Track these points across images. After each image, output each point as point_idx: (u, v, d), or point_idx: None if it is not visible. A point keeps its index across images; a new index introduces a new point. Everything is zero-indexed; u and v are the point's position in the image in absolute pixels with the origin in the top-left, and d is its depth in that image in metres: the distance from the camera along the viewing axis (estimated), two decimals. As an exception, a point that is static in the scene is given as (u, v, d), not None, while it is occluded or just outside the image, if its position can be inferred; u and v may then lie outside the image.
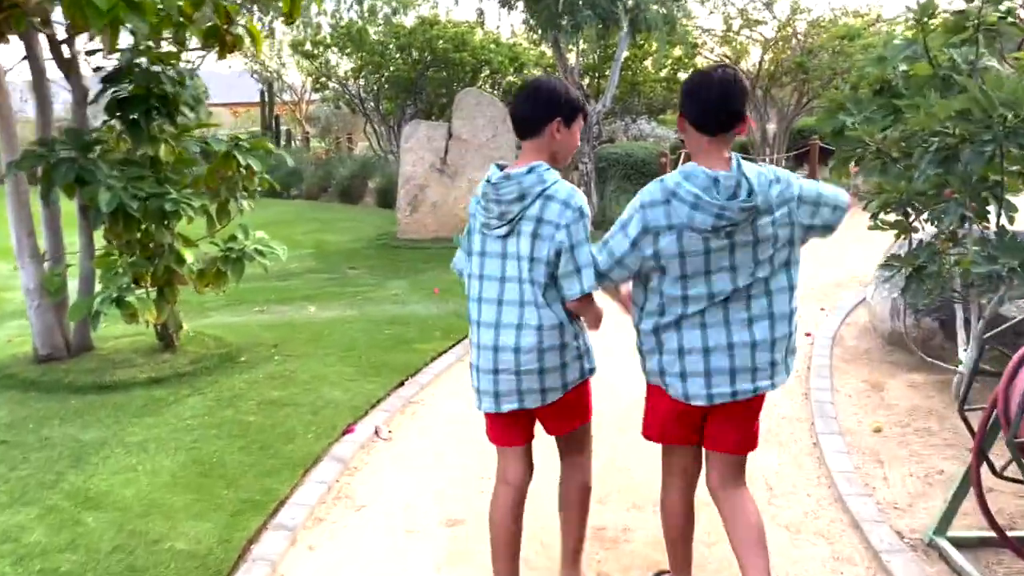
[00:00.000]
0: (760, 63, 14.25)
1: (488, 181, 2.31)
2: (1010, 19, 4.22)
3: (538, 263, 2.25)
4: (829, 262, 7.74)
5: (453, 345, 5.61)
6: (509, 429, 2.46)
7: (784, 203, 2.17)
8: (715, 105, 2.14)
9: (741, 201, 2.10)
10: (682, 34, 13.83)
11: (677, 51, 19.00)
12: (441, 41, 14.78)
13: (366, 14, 14.49)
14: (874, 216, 3.99)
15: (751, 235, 2.14)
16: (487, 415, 2.47)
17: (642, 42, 17.62)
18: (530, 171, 2.25)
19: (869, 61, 7.20)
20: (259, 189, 5.36)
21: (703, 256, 2.14)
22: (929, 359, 4.31)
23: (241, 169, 5.00)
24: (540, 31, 9.31)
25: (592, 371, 2.45)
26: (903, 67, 7.24)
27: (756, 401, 2.30)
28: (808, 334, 5.70)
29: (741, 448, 2.36)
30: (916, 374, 4.72)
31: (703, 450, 2.40)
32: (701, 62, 20.01)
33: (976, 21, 4.30)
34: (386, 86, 15.86)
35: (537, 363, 2.30)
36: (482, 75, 15.79)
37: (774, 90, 14.32)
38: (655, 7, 9.05)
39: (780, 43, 13.37)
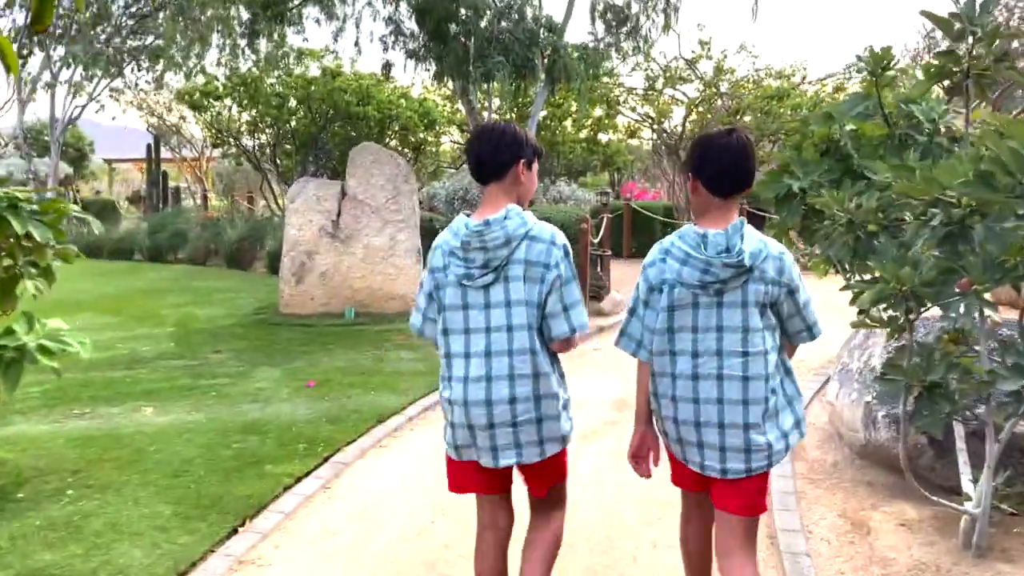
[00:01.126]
0: (684, 123, 13.79)
1: (467, 230, 2.30)
2: (1007, 64, 3.44)
3: (531, 306, 2.29)
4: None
5: (318, 465, 4.42)
6: (493, 478, 2.47)
7: (778, 283, 2.28)
8: (730, 168, 2.27)
9: (725, 256, 2.22)
10: (603, 92, 13.29)
11: (598, 111, 18.60)
12: (345, 94, 13.82)
13: (262, 63, 13.38)
14: (863, 312, 3.05)
15: (741, 297, 2.26)
16: (470, 468, 2.46)
17: (561, 100, 17.10)
18: (508, 215, 2.30)
19: (815, 119, 6.52)
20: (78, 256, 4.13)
21: (691, 310, 2.28)
22: (934, 498, 3.35)
23: (22, 240, 3.76)
24: (446, 79, 8.38)
25: (568, 437, 2.46)
26: (850, 126, 6.52)
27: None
28: (761, 441, 4.75)
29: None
30: (906, 504, 3.79)
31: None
32: (623, 122, 19.67)
33: (966, 66, 3.50)
34: (284, 141, 14.72)
35: (535, 412, 2.33)
36: (390, 131, 14.87)
37: (699, 152, 13.88)
38: (575, 55, 8.28)
39: (705, 103, 12.91)
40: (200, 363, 6.79)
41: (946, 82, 3.79)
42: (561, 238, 2.37)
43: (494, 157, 2.35)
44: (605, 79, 13.79)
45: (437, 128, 16.40)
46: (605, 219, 10.65)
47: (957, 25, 3.49)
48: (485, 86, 8.79)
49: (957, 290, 2.81)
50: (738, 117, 12.75)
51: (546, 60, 8.02)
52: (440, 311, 2.39)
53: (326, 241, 8.73)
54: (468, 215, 2.38)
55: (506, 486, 2.52)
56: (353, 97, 13.75)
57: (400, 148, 15.94)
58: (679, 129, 14.20)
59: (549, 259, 2.29)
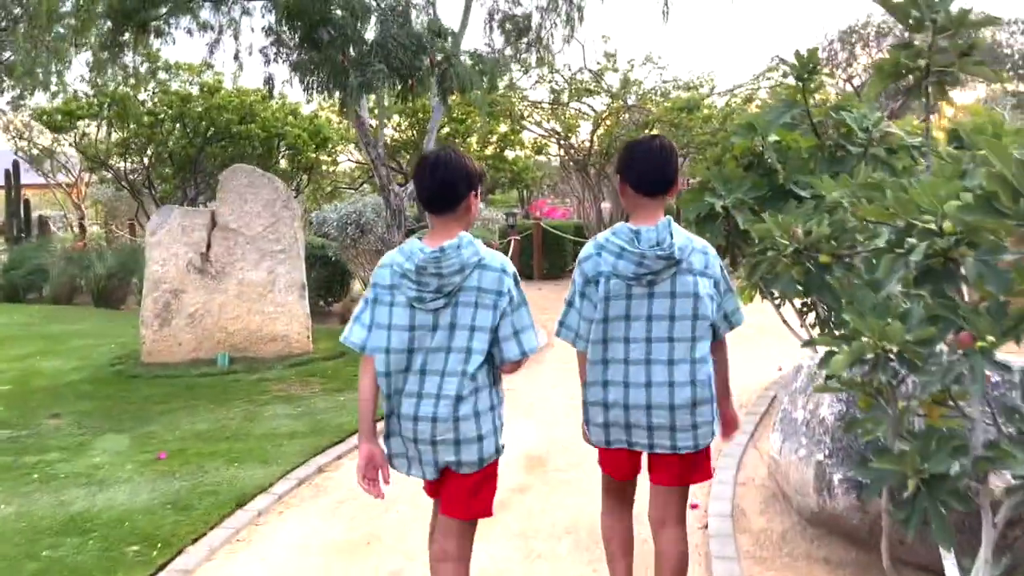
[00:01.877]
0: (592, 138, 13.31)
1: (423, 255, 2.39)
2: (974, 58, 2.89)
3: (481, 331, 2.42)
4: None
5: (152, 576, 3.49)
6: (431, 489, 2.60)
7: (705, 274, 2.70)
8: (651, 170, 2.69)
9: (658, 250, 2.57)
10: (506, 106, 12.69)
11: (502, 127, 18.02)
12: (226, 112, 12.74)
13: (131, 79, 12.17)
14: (831, 377, 2.39)
15: (670, 287, 2.58)
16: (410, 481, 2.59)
17: (464, 116, 16.43)
18: (461, 244, 2.42)
19: (736, 130, 5.96)
20: None
21: (625, 301, 2.57)
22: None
23: None
24: (324, 92, 7.53)
25: (501, 449, 2.54)
26: (773, 137, 5.93)
27: None
28: (694, 505, 4.10)
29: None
30: (874, 592, 3.17)
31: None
32: (528, 137, 19.16)
33: (925, 63, 2.94)
34: (160, 164, 13.50)
35: (453, 433, 2.41)
36: (277, 151, 13.85)
37: (609, 167, 13.38)
38: (469, 62, 7.58)
39: (612, 116, 12.46)
40: (30, 433, 5.70)
41: (902, 82, 3.22)
42: (510, 266, 2.52)
43: (448, 191, 2.44)
44: (508, 93, 13.19)
45: (330, 147, 15.49)
46: (513, 242, 9.98)
47: (915, 12, 2.91)
48: (374, 99, 7.95)
49: (947, 347, 2.19)
50: (647, 131, 12.33)
51: (436, 69, 7.29)
52: (387, 328, 2.45)
53: (194, 278, 7.71)
54: (419, 239, 2.48)
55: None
56: (235, 115, 12.69)
57: (290, 169, 14.94)
58: (587, 144, 13.72)
59: (501, 287, 2.43)
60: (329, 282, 11.29)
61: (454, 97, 8.43)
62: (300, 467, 4.84)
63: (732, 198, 5.76)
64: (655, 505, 2.65)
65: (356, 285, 11.72)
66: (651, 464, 2.64)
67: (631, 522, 2.78)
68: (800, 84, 5.44)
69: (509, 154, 19.87)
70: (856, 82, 20.72)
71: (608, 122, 12.22)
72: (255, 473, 4.71)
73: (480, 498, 2.51)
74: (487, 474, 2.50)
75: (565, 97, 12.36)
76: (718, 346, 2.73)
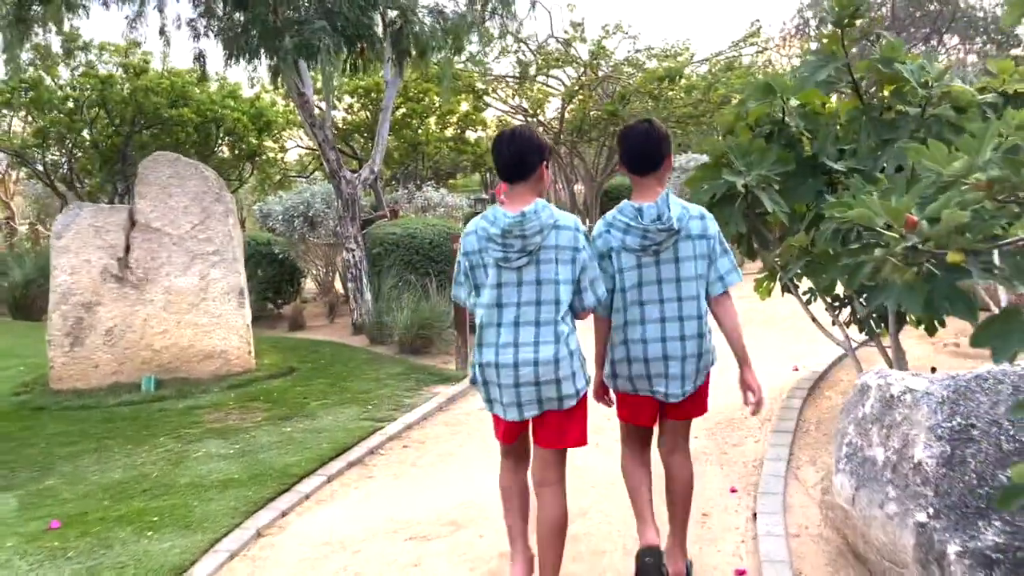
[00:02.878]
0: (562, 115, 12.36)
1: (507, 220, 2.73)
2: None
3: (565, 284, 2.79)
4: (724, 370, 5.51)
5: None
6: (516, 430, 2.95)
7: (704, 237, 2.97)
8: (641, 152, 2.98)
9: (659, 223, 2.89)
10: (468, 82, 11.70)
11: (464, 105, 16.98)
12: (154, 95, 11.54)
13: (40, 60, 10.90)
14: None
15: (673, 254, 2.95)
16: (501, 422, 2.93)
17: (421, 94, 15.36)
18: (538, 209, 2.77)
19: (753, 91, 5.10)
20: None
21: (636, 270, 2.94)
22: None
23: None
24: (247, 59, 6.47)
25: (589, 381, 2.94)
26: (795, 101, 5.06)
27: None
28: (741, 572, 3.25)
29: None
30: None
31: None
32: (492, 116, 18.17)
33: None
34: (80, 156, 12.24)
35: (554, 374, 2.77)
36: (216, 139, 12.67)
37: (582, 146, 12.46)
38: (428, 20, 6.56)
39: (584, 90, 11.52)
40: None
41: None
42: (580, 224, 2.89)
43: (523, 160, 2.82)
44: (470, 68, 12.18)
45: (275, 132, 14.37)
46: (482, 232, 9.04)
47: None
48: (318, 69, 6.91)
49: None
50: (623, 104, 11.43)
51: (390, 29, 6.26)
52: (477, 287, 2.87)
53: (111, 287, 6.64)
54: (501, 205, 2.84)
55: (523, 434, 2.99)
56: (164, 98, 11.51)
57: (231, 158, 13.78)
58: (555, 122, 12.76)
59: (576, 243, 2.82)
60: (278, 282, 10.26)
61: (411, 66, 7.41)
62: (232, 533, 3.87)
63: (755, 175, 4.89)
64: (667, 438, 3.17)
65: (309, 284, 10.67)
66: (665, 405, 3.07)
67: (650, 462, 3.18)
68: (840, 32, 4.51)
69: (471, 135, 18.87)
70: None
71: (580, 96, 11.28)
72: (173, 545, 3.73)
73: (577, 428, 2.90)
74: (581, 405, 2.88)
75: (533, 70, 11.39)
76: (724, 307, 3.04)
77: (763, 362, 6.84)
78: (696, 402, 3.12)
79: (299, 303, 10.09)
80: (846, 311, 5.29)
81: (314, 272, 10.16)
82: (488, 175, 24.74)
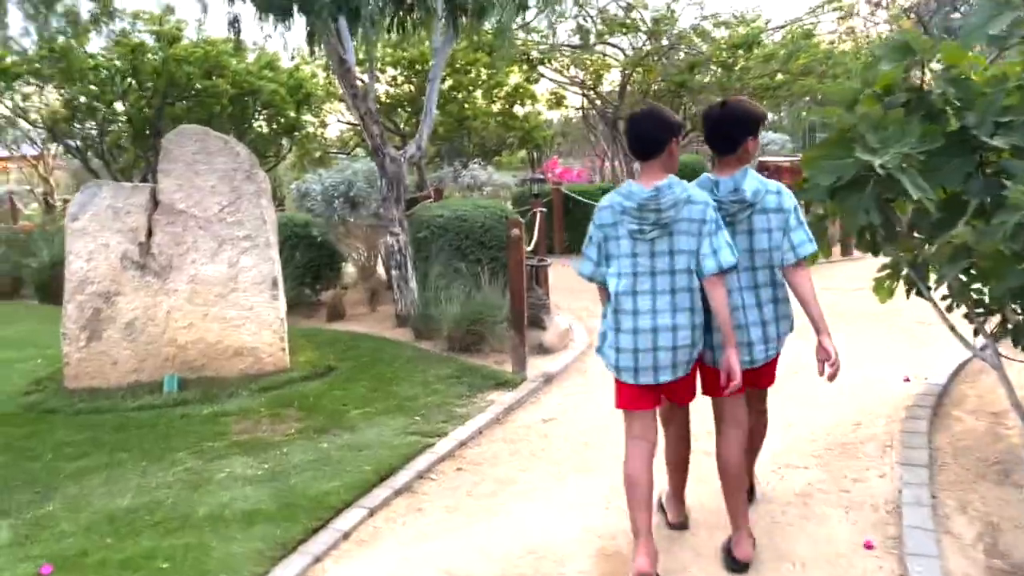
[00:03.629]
0: (623, 87, 11.50)
1: (643, 194, 2.98)
2: None
3: (692, 254, 3.02)
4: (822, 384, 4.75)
5: None
6: (646, 396, 3.16)
7: (780, 210, 3.18)
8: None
9: (733, 195, 3.14)
10: (522, 50, 10.92)
11: (514, 78, 16.17)
12: (188, 65, 10.94)
13: (71, 26, 10.36)
14: None
15: (747, 226, 3.16)
16: (627, 386, 3.16)
17: (468, 66, 14.59)
18: (671, 184, 3.01)
19: (886, 51, 4.24)
20: None
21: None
22: None
23: None
24: (279, 18, 5.77)
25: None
26: (937, 65, 4.24)
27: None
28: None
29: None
30: None
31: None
32: (543, 90, 17.33)
33: None
34: (111, 129, 11.72)
35: (690, 339, 3.06)
36: (253, 112, 12.06)
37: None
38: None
39: (649, 58, 10.64)
40: None
41: None
42: (707, 197, 3.09)
43: (655, 138, 3.05)
44: (523, 36, 11.37)
45: (314, 106, 13.75)
46: (538, 215, 8.28)
47: None
48: (360, 33, 6.19)
49: None
50: (693, 73, 10.54)
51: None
52: (609, 258, 3.08)
53: (132, 275, 6.04)
54: (631, 182, 3.09)
55: (659, 402, 3.24)
56: (198, 68, 10.91)
57: (269, 132, 13.19)
58: (615, 95, 11.91)
59: (705, 216, 3.03)
60: (316, 267, 9.62)
61: (466, 29, 6.65)
62: (261, 586, 3.21)
63: (893, 153, 4.05)
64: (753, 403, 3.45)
65: (350, 269, 10.03)
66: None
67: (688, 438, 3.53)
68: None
69: (519, 110, 18.06)
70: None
71: (644, 66, 10.41)
72: (183, 605, 3.08)
73: (693, 388, 3.29)
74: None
75: (593, 37, 10.54)
76: (798, 276, 3.20)
77: (863, 368, 6.04)
78: (769, 370, 3.38)
79: (339, 290, 9.46)
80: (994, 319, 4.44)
81: (355, 256, 9.51)
82: (535, 152, 23.90)
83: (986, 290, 3.80)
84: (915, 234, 4.36)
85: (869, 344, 6.66)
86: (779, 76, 9.85)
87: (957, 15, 20.44)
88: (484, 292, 7.25)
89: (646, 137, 3.06)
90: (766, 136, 17.29)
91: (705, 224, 3.02)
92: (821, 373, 3.18)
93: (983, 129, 3.73)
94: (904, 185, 3.73)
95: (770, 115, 19.23)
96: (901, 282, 4.85)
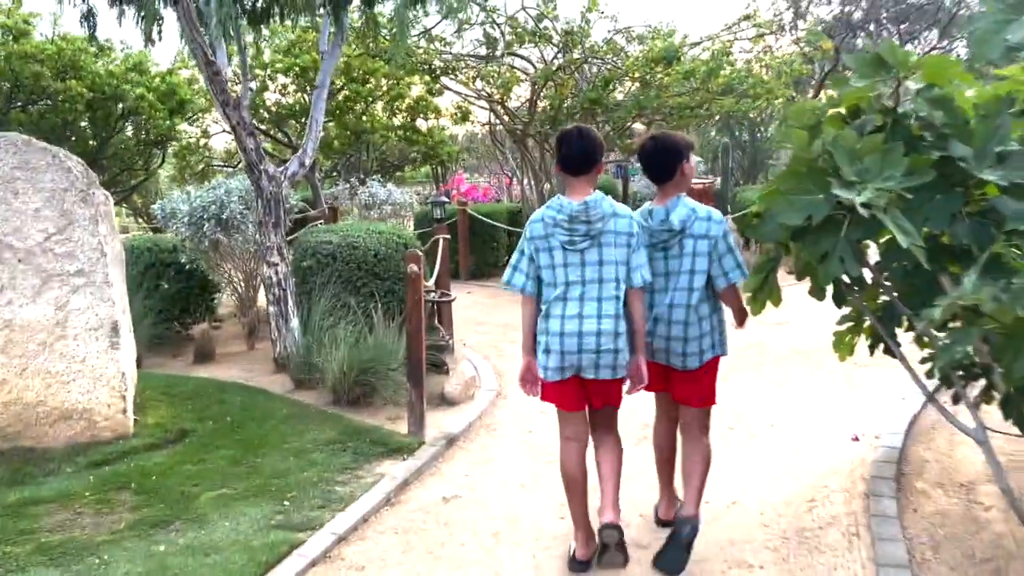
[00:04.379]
0: (531, 102, 10.78)
1: (573, 208, 3.26)
2: None
3: (622, 264, 3.31)
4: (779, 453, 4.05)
5: None
6: (571, 397, 3.43)
7: (705, 237, 3.41)
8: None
9: (663, 224, 3.43)
10: (424, 59, 10.06)
11: (416, 89, 15.29)
12: (37, 64, 9.59)
13: None
14: None
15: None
16: (555, 386, 3.40)
17: (367, 74, 13.64)
18: (599, 199, 3.30)
19: (859, 65, 3.64)
20: None
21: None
22: None
23: None
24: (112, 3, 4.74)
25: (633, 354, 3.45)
26: (913, 84, 3.51)
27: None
28: None
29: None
30: None
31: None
32: (447, 103, 16.49)
33: None
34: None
35: (612, 344, 3.29)
36: (118, 120, 10.74)
37: (554, 139, 10.90)
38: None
39: (559, 72, 9.96)
40: None
41: None
42: (633, 214, 3.45)
43: (589, 156, 3.33)
44: (424, 45, 10.53)
45: (190, 114, 12.53)
46: (441, 242, 7.41)
47: None
48: (214, 23, 5.20)
49: None
50: (609, 91, 9.91)
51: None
52: (547, 267, 3.35)
53: (-74, 320, 4.84)
54: (560, 196, 3.37)
55: (584, 404, 3.49)
56: (49, 69, 9.58)
57: (136, 143, 11.89)
58: (524, 108, 11.18)
59: (631, 229, 3.34)
60: (186, 298, 8.48)
61: (355, 33, 5.73)
62: None
63: (875, 190, 3.28)
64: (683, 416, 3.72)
65: (228, 298, 8.88)
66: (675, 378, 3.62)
67: (675, 427, 3.79)
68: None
69: (422, 124, 17.19)
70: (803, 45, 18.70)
71: (557, 79, 9.72)
72: None
73: (618, 394, 3.51)
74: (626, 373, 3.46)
75: (501, 46, 9.78)
76: (727, 296, 3.57)
77: (804, 424, 5.41)
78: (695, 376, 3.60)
79: (208, 327, 8.34)
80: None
81: (232, 287, 8.42)
82: (439, 169, 23.03)
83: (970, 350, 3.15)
84: (882, 280, 3.73)
85: (804, 391, 6.07)
86: (698, 95, 9.33)
87: (859, 41, 20.83)
88: (377, 333, 6.33)
89: (582, 155, 3.32)
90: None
91: (632, 237, 3.33)
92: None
93: (982, 161, 3.11)
94: (888, 228, 3.09)
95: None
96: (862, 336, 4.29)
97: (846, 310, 4.03)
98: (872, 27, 19.55)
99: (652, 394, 3.78)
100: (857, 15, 19.03)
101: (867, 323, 4.04)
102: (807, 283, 3.49)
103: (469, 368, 6.56)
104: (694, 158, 3.77)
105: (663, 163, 3.45)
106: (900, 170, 3.12)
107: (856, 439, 5.12)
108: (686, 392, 3.57)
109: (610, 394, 3.46)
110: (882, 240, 3.55)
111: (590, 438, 3.54)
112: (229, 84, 6.77)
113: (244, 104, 6.66)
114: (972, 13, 19.25)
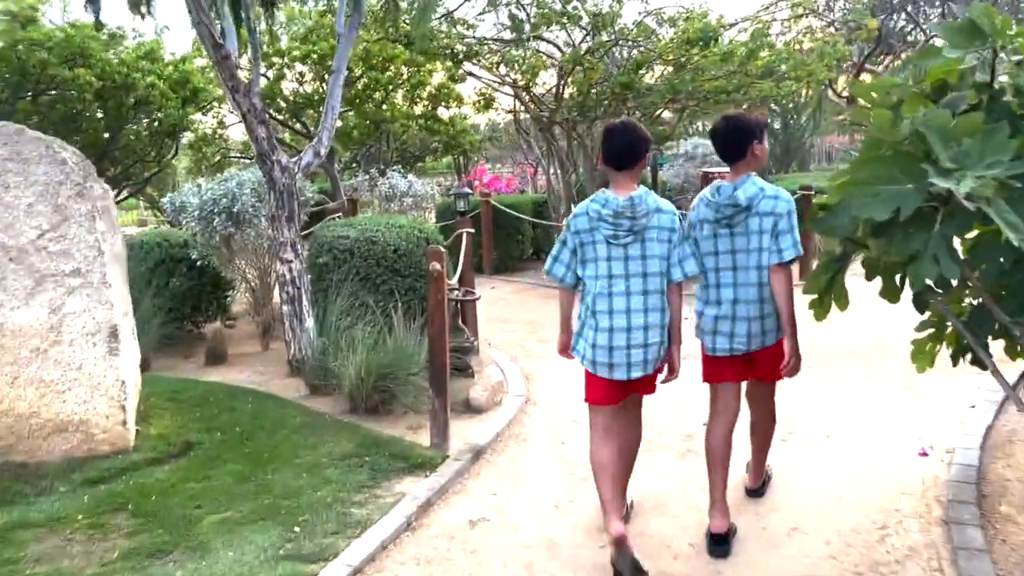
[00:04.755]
0: (558, 89, 10.33)
1: (618, 203, 3.32)
2: None
3: (662, 259, 3.36)
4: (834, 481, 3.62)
5: None
6: (614, 392, 3.48)
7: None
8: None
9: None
10: (447, 43, 9.64)
11: (438, 76, 14.87)
12: (45, 52, 9.28)
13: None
14: None
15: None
16: (599, 382, 3.46)
17: (385, 63, 13.24)
18: (644, 194, 3.37)
19: (948, 35, 3.10)
20: None
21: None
22: None
23: None
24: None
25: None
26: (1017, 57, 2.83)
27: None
28: None
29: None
30: None
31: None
32: (469, 90, 16.07)
33: None
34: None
35: (659, 337, 3.38)
36: (127, 110, 10.42)
37: (583, 126, 10.43)
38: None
39: (588, 55, 9.49)
40: None
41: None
42: (674, 208, 3.46)
43: (633, 150, 3.38)
44: (446, 28, 10.10)
45: (206, 103, 12.22)
46: (465, 237, 7.00)
47: None
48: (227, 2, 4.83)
49: None
50: (642, 74, 9.43)
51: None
52: (585, 262, 3.43)
53: (-89, 324, 4.51)
54: (606, 190, 3.43)
55: (623, 398, 3.53)
56: (56, 56, 9.28)
57: (148, 134, 11.60)
58: (552, 94, 10.73)
59: (674, 225, 3.41)
60: (197, 295, 8.15)
61: (378, 17, 5.32)
62: None
63: (978, 178, 2.68)
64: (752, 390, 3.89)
65: (239, 297, 8.53)
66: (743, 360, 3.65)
67: (733, 427, 3.70)
68: None
69: (444, 113, 16.77)
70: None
71: (585, 63, 9.25)
72: None
73: (654, 383, 3.56)
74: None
75: (528, 28, 9.33)
76: (776, 276, 3.50)
77: (865, 436, 4.96)
78: (766, 357, 3.63)
79: (220, 327, 7.99)
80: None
81: (245, 283, 8.08)
82: (461, 159, 22.60)
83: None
84: (975, 280, 3.27)
85: (860, 398, 5.61)
86: (735, 78, 8.84)
87: (898, 21, 20.13)
88: (397, 335, 5.94)
89: (626, 149, 3.37)
90: (708, 146, 16.50)
91: (674, 232, 3.40)
92: (781, 371, 3.54)
93: (1108, 143, 2.65)
94: (996, 222, 2.64)
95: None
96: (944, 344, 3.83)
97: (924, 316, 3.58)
98: (910, 8, 18.87)
99: (707, 392, 3.75)
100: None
101: (950, 329, 3.60)
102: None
103: (496, 372, 6.15)
104: (767, 140, 3.69)
105: (734, 143, 3.49)
106: (1007, 154, 2.66)
107: (924, 453, 4.65)
108: (767, 368, 3.60)
109: (646, 385, 3.54)
110: (969, 235, 3.12)
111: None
112: (240, 69, 6.39)
113: (255, 90, 6.27)
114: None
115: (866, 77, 18.97)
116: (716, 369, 3.63)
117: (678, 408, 5.33)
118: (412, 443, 4.94)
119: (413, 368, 5.69)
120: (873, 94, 3.20)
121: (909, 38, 18.28)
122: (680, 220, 3.46)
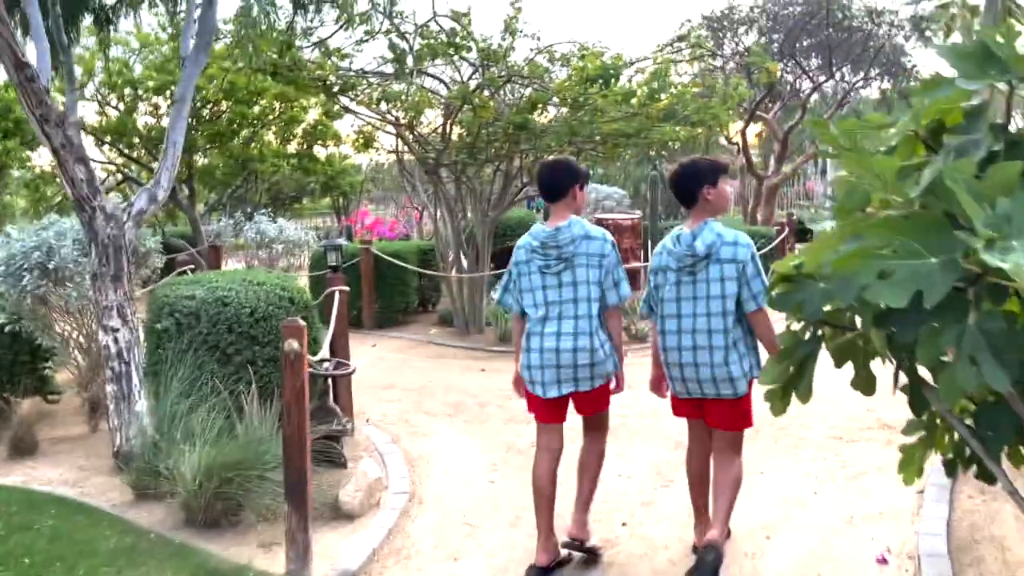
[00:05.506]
0: (445, 128, 9.53)
1: (544, 234, 3.69)
2: None
3: (592, 284, 3.66)
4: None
5: None
6: (554, 410, 3.81)
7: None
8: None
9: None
10: (320, 75, 8.68)
11: (313, 113, 13.85)
12: None
13: None
14: None
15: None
16: (538, 400, 3.79)
17: (254, 97, 12.13)
18: (570, 224, 3.69)
19: (956, 60, 2.17)
20: None
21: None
22: None
23: None
24: None
25: (616, 366, 3.82)
26: None
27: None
28: None
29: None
30: None
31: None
32: (346, 127, 15.05)
33: None
34: None
35: (588, 359, 3.64)
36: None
37: (472, 169, 9.64)
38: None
39: (478, 92, 8.75)
40: None
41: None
42: (607, 234, 3.77)
43: (559, 183, 3.76)
44: (318, 59, 9.17)
45: (30, 136, 10.79)
46: (338, 297, 6.00)
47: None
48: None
49: None
50: (537, 113, 8.76)
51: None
52: (524, 291, 3.77)
53: None
54: (540, 223, 3.86)
55: (563, 416, 3.86)
56: None
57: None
58: (437, 134, 9.92)
59: (603, 251, 3.69)
60: (9, 367, 6.77)
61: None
62: None
63: (1021, 250, 1.44)
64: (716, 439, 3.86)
65: (58, 368, 7.18)
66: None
67: (708, 454, 3.85)
68: None
69: (320, 152, 15.73)
70: (730, 66, 18.18)
71: (477, 100, 8.49)
72: None
73: (603, 401, 3.85)
74: (606, 387, 3.83)
75: (411, 60, 8.50)
76: (757, 319, 3.61)
77: (808, 530, 4.28)
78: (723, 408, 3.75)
79: (44, 399, 6.66)
80: None
81: (69, 349, 6.78)
82: (341, 200, 21.51)
83: None
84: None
85: (793, 483, 4.94)
86: (636, 121, 8.30)
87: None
88: (249, 421, 4.88)
89: (553, 183, 3.77)
90: (602, 190, 16.08)
91: (605, 258, 3.70)
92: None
93: None
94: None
95: (605, 168, 18.11)
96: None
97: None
98: (791, 62, 19.26)
99: (681, 426, 4.01)
100: (775, 47, 18.64)
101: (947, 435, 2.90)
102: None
103: (372, 466, 5.12)
104: (729, 182, 3.80)
105: (684, 188, 3.67)
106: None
107: (883, 560, 3.98)
108: (719, 418, 3.69)
109: (597, 401, 3.82)
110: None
111: (573, 446, 3.96)
112: (51, 95, 5.24)
113: (70, 120, 5.15)
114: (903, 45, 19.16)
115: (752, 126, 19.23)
116: (682, 408, 3.83)
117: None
118: (262, 572, 3.88)
119: (269, 462, 4.64)
120: (858, 135, 2.50)
121: (796, 86, 18.60)
122: (613, 247, 3.74)
